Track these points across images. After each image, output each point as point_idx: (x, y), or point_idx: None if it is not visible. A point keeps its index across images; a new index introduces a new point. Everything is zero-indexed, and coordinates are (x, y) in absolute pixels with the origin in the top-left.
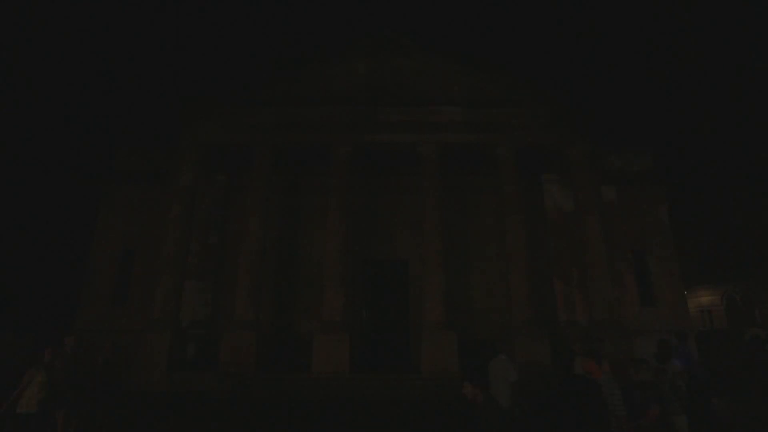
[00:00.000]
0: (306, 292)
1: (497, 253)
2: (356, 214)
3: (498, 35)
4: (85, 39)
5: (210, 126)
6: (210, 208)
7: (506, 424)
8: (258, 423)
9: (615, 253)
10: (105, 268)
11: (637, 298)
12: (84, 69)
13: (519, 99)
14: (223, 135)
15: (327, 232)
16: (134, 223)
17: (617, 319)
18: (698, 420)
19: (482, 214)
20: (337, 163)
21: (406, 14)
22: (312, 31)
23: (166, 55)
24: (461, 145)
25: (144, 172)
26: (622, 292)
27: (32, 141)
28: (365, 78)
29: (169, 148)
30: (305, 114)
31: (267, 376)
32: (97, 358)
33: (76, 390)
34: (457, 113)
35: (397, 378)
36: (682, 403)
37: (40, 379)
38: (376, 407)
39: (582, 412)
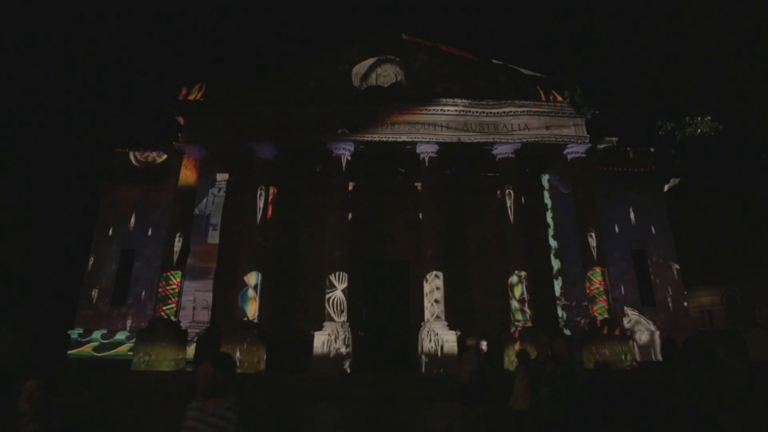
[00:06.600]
0: (306, 292)
1: (497, 253)
2: (356, 214)
3: (498, 35)
4: (83, 39)
5: (210, 126)
6: (210, 208)
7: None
8: (258, 422)
9: (615, 253)
10: (105, 268)
11: (638, 298)
12: (83, 69)
13: (519, 99)
14: (222, 135)
15: (327, 232)
16: (134, 223)
17: (617, 318)
18: None
19: (482, 214)
20: (337, 163)
21: (406, 14)
22: (312, 31)
23: (166, 55)
24: (461, 145)
25: (143, 172)
26: (623, 291)
27: (32, 141)
28: (365, 77)
29: (169, 149)
30: (305, 114)
31: (268, 376)
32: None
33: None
34: (457, 113)
35: (398, 377)
36: None
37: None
38: (376, 407)
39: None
